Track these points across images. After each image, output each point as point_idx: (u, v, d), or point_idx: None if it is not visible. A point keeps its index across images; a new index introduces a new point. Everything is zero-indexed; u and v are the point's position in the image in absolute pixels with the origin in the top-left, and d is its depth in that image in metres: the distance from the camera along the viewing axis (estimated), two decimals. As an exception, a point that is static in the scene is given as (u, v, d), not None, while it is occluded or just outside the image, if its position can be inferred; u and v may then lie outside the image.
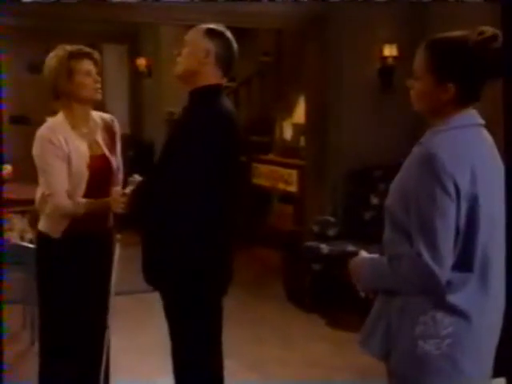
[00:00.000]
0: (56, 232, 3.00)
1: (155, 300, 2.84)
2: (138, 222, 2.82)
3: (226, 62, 2.71)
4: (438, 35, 2.05)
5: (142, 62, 9.10)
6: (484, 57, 1.95)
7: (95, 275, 3.06)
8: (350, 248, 5.22)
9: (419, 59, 2.03)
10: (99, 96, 3.11)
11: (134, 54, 9.30)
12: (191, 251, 2.62)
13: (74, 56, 3.01)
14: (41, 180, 3.02)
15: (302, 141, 6.74)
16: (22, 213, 4.92)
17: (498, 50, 1.91)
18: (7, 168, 5.46)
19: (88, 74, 3.03)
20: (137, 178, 2.83)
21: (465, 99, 2.00)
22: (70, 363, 3.02)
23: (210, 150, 2.56)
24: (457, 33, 2.02)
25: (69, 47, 3.04)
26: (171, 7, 5.23)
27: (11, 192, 5.23)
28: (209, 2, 5.27)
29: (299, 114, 6.95)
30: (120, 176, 3.17)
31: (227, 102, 2.75)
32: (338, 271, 5.20)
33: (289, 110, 7.44)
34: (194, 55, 2.68)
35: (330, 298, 5.37)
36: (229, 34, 2.75)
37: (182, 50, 2.73)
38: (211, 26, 2.75)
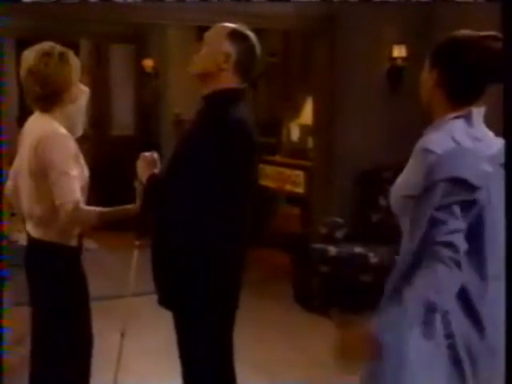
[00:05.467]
0: (71, 240, 2.84)
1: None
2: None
3: (246, 67, 2.57)
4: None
5: (148, 63, 9.07)
6: (478, 55, 1.93)
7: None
8: (358, 250, 5.20)
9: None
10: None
11: (140, 54, 9.27)
12: (210, 269, 2.51)
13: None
14: (54, 187, 2.68)
15: (310, 142, 6.71)
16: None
17: (498, 53, 1.90)
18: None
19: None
20: (148, 155, 2.67)
21: (457, 96, 1.98)
22: (64, 367, 2.95)
23: (222, 159, 2.44)
24: (468, 31, 2.02)
25: (38, 47, 2.81)
26: (179, 8, 5.21)
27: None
28: (217, 2, 5.25)
29: (306, 114, 6.92)
30: None
31: (243, 109, 2.58)
32: (345, 273, 5.19)
33: (296, 111, 7.41)
34: (212, 57, 2.54)
35: (337, 300, 5.34)
36: (253, 37, 2.61)
37: (200, 48, 2.59)
38: (235, 27, 2.60)
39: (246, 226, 2.62)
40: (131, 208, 2.82)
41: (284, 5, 5.38)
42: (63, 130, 2.80)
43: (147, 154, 2.67)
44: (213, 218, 2.45)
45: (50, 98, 2.81)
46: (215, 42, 2.57)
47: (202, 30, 7.57)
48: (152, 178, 2.60)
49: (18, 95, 7.93)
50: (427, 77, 2.04)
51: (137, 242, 3.00)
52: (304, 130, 7.17)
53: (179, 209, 2.47)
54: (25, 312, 4.61)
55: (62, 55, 2.83)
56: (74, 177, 2.69)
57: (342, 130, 5.78)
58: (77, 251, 2.90)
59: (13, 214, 4.77)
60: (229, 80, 2.56)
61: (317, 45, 5.83)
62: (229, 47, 2.54)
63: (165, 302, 2.65)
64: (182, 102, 8.33)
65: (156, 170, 2.63)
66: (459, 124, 1.98)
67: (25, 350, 4.30)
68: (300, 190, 6.82)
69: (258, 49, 2.62)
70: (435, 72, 2.00)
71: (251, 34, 2.62)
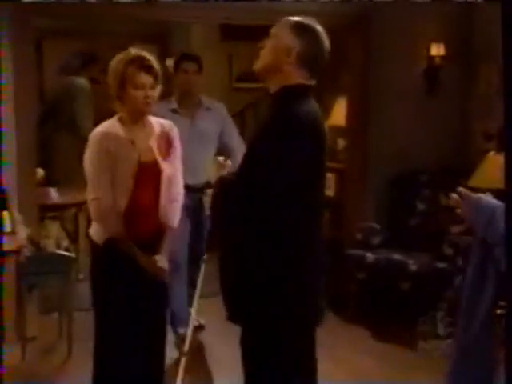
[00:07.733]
0: (100, 238, 2.97)
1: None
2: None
3: (312, 61, 2.44)
4: None
5: (171, 62, 8.95)
6: None
7: (142, 287, 2.99)
8: (397, 257, 5.02)
9: None
10: (147, 109, 2.99)
11: (163, 54, 9.16)
12: (280, 283, 2.41)
13: (133, 64, 2.94)
14: (89, 184, 2.97)
15: (340, 143, 6.53)
16: (57, 218, 4.79)
17: None
18: (39, 172, 5.33)
19: (140, 87, 2.93)
20: (221, 160, 2.63)
21: None
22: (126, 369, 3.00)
23: (289, 158, 2.31)
24: None
25: (134, 52, 2.98)
26: (201, 6, 5.08)
27: (45, 197, 5.09)
28: (241, 0, 5.10)
29: (337, 115, 6.73)
30: (174, 183, 3.08)
31: (310, 105, 2.46)
32: (384, 281, 5.01)
33: (325, 112, 7.22)
34: (275, 51, 2.43)
35: (375, 308, 5.16)
36: (319, 29, 2.47)
37: (265, 43, 2.48)
38: (299, 19, 2.48)
39: (320, 232, 2.51)
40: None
41: (317, 3, 5.20)
42: (104, 134, 2.93)
43: (220, 158, 2.65)
44: (287, 221, 2.34)
45: (122, 102, 2.98)
46: (278, 35, 2.46)
47: (225, 28, 7.42)
48: (221, 179, 2.50)
49: (38, 95, 7.83)
50: None
51: (205, 256, 2.86)
52: (334, 131, 6.99)
53: (250, 212, 2.34)
54: (52, 320, 4.53)
55: (148, 68, 2.99)
56: (102, 177, 2.88)
57: (377, 131, 5.61)
58: (109, 251, 2.94)
59: (42, 218, 4.68)
60: (295, 75, 2.44)
61: (351, 43, 5.65)
62: (291, 40, 2.43)
63: (233, 316, 2.52)
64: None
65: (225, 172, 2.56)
66: None
67: (56, 358, 4.22)
68: (330, 193, 6.64)
69: (325, 41, 2.48)
70: None
71: (318, 27, 2.48)
